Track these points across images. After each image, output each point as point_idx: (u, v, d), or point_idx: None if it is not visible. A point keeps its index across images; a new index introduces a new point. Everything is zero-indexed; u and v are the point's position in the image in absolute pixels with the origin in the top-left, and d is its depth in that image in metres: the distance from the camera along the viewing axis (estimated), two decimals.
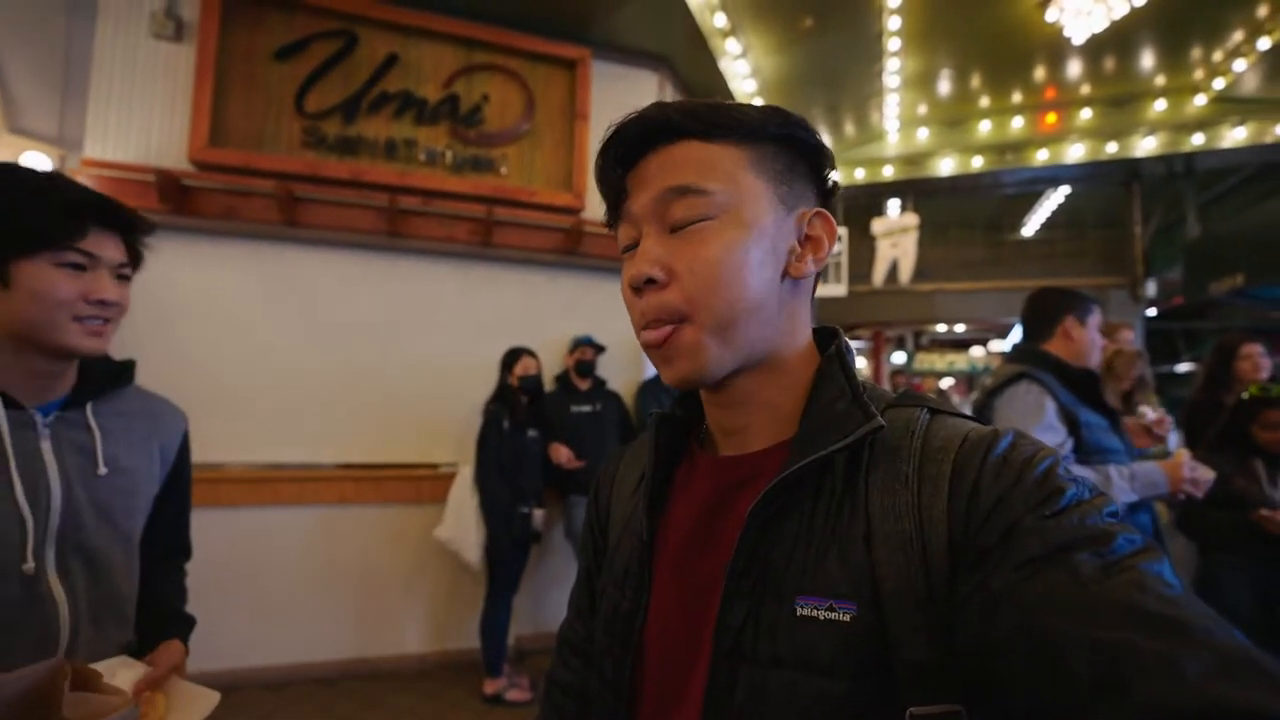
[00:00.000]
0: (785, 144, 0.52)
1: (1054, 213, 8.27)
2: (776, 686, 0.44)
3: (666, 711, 0.51)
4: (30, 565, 0.80)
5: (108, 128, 2.79)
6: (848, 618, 0.44)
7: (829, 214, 0.54)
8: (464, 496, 2.88)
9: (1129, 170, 6.15)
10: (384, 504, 3.12)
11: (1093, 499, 0.42)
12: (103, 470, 0.89)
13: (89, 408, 0.91)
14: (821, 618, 0.44)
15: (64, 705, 0.59)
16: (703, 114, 0.50)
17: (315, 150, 3.06)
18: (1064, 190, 7.62)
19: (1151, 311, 7.41)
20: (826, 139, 6.04)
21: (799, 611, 0.45)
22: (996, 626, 0.38)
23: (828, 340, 0.56)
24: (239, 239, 3.01)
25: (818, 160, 0.54)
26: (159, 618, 1.02)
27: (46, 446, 0.84)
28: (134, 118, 2.83)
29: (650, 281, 0.50)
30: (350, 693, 2.87)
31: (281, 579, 2.96)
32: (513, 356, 2.98)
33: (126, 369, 0.99)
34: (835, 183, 0.57)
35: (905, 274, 6.02)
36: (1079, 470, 1.46)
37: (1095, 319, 1.81)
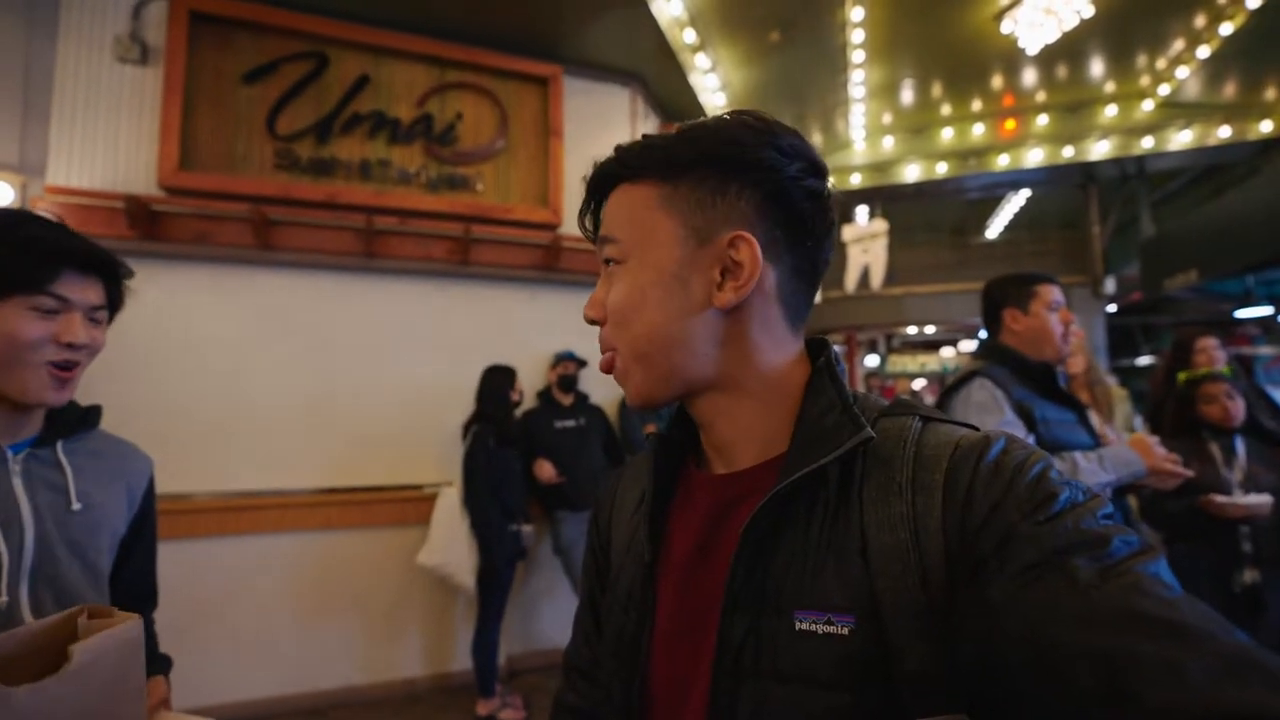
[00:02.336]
0: (710, 167, 0.51)
1: (1016, 215, 8.54)
2: (779, 701, 0.45)
3: None
4: (4, 599, 0.81)
5: (71, 153, 2.73)
6: (846, 631, 0.44)
7: (749, 237, 0.50)
8: (449, 519, 2.85)
9: (1085, 173, 6.39)
10: (368, 528, 3.07)
11: (1087, 501, 0.42)
12: (76, 506, 0.90)
13: (59, 445, 0.91)
14: (820, 632, 0.44)
15: (78, 632, 0.66)
16: (630, 157, 0.54)
17: (288, 172, 3.03)
18: (1025, 193, 7.87)
19: (1112, 308, 7.67)
20: None
21: (798, 626, 0.45)
22: (998, 637, 0.38)
23: (817, 352, 0.56)
24: (212, 264, 2.96)
25: (762, 174, 0.51)
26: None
27: (19, 483, 0.85)
28: (99, 143, 2.77)
29: (593, 321, 0.56)
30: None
31: (264, 609, 2.89)
32: (507, 375, 2.96)
33: (93, 412, 1.00)
34: (812, 190, 0.52)
35: (876, 279, 6.15)
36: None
37: (1042, 300, 1.62)
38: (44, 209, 2.63)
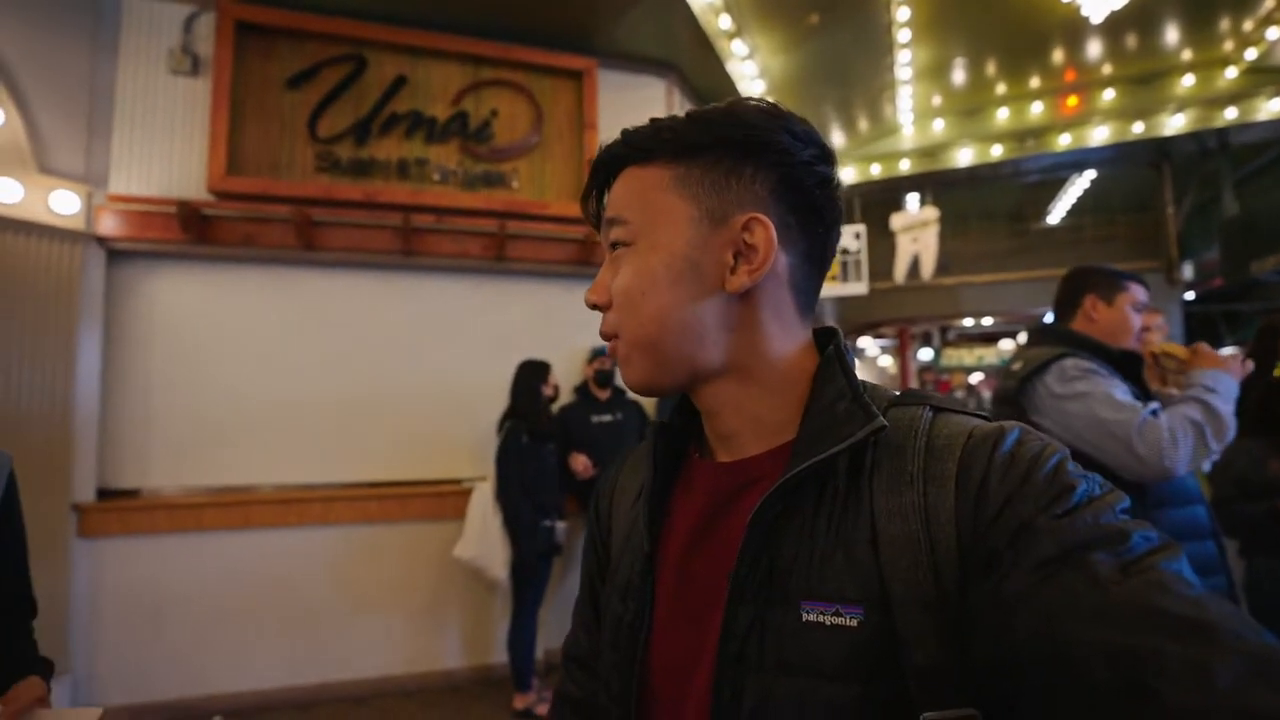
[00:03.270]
0: (725, 150, 0.50)
1: (1080, 198, 8.04)
2: (785, 694, 0.44)
3: None
4: None
5: (131, 163, 2.88)
6: (855, 622, 0.43)
7: (765, 219, 0.49)
8: (483, 514, 2.87)
9: (1158, 150, 5.95)
10: (408, 521, 3.13)
11: (1104, 495, 0.41)
12: None
13: None
14: (828, 623, 0.43)
15: None
16: (639, 139, 0.53)
17: (329, 174, 3.12)
18: (1089, 175, 7.40)
19: (1189, 295, 7.13)
20: (839, 136, 5.99)
21: (805, 617, 0.44)
22: (1014, 633, 0.37)
23: (826, 341, 0.55)
24: (258, 265, 3.08)
25: (777, 158, 0.50)
26: (10, 672, 0.99)
27: None
28: (156, 152, 2.91)
29: (595, 306, 0.55)
30: (380, 710, 2.87)
31: (309, 599, 2.99)
32: (539, 370, 2.96)
33: None
34: (823, 177, 0.52)
35: (927, 269, 5.89)
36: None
37: (1129, 297, 1.61)
38: (106, 217, 2.78)
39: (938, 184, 6.41)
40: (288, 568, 2.97)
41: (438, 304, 3.31)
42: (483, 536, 2.87)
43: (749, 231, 0.50)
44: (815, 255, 0.53)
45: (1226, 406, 1.39)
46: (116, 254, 2.89)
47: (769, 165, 0.50)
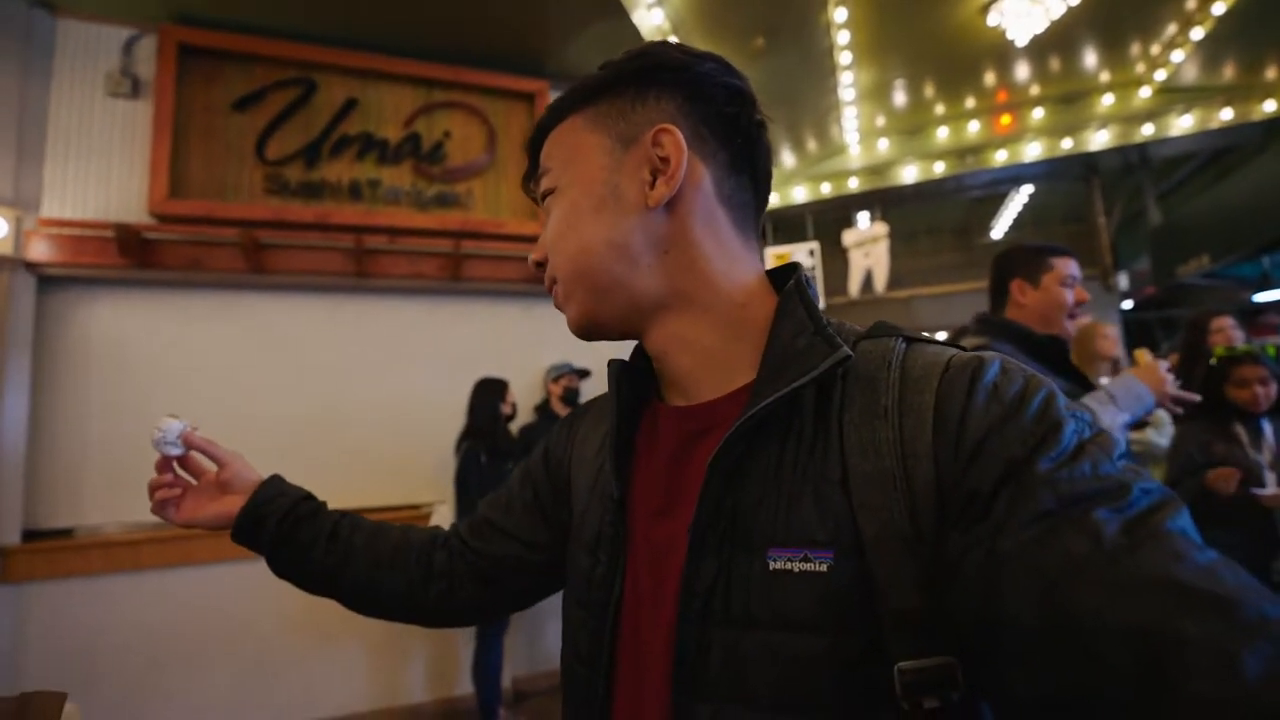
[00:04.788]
0: (628, 81, 0.51)
1: (1021, 212, 8.44)
2: (754, 648, 0.41)
3: (642, 684, 0.48)
4: None
5: (65, 187, 2.78)
6: (824, 568, 0.40)
7: (671, 127, 0.49)
8: None
9: (1087, 165, 6.30)
10: None
11: (1095, 437, 0.38)
12: None
13: None
14: (797, 570, 0.41)
15: None
16: (553, 105, 0.54)
17: (279, 196, 3.06)
18: (1027, 190, 7.79)
19: (1128, 304, 7.50)
20: (789, 157, 6.20)
21: (772, 565, 0.42)
22: (1005, 592, 0.35)
23: (785, 279, 0.53)
24: (205, 290, 2.98)
25: (676, 75, 0.50)
26: None
27: None
28: (92, 175, 2.81)
29: (539, 265, 0.55)
30: None
31: (260, 637, 2.83)
32: (497, 387, 2.92)
33: None
34: (730, 88, 0.51)
35: (880, 283, 6.07)
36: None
37: (1056, 274, 1.51)
38: (36, 242, 2.66)
39: (886, 201, 6.65)
40: (236, 605, 2.81)
41: (393, 325, 3.25)
42: None
43: (659, 145, 0.49)
44: (741, 166, 0.52)
45: (1113, 416, 1.35)
46: (48, 280, 2.76)
47: (671, 84, 0.50)
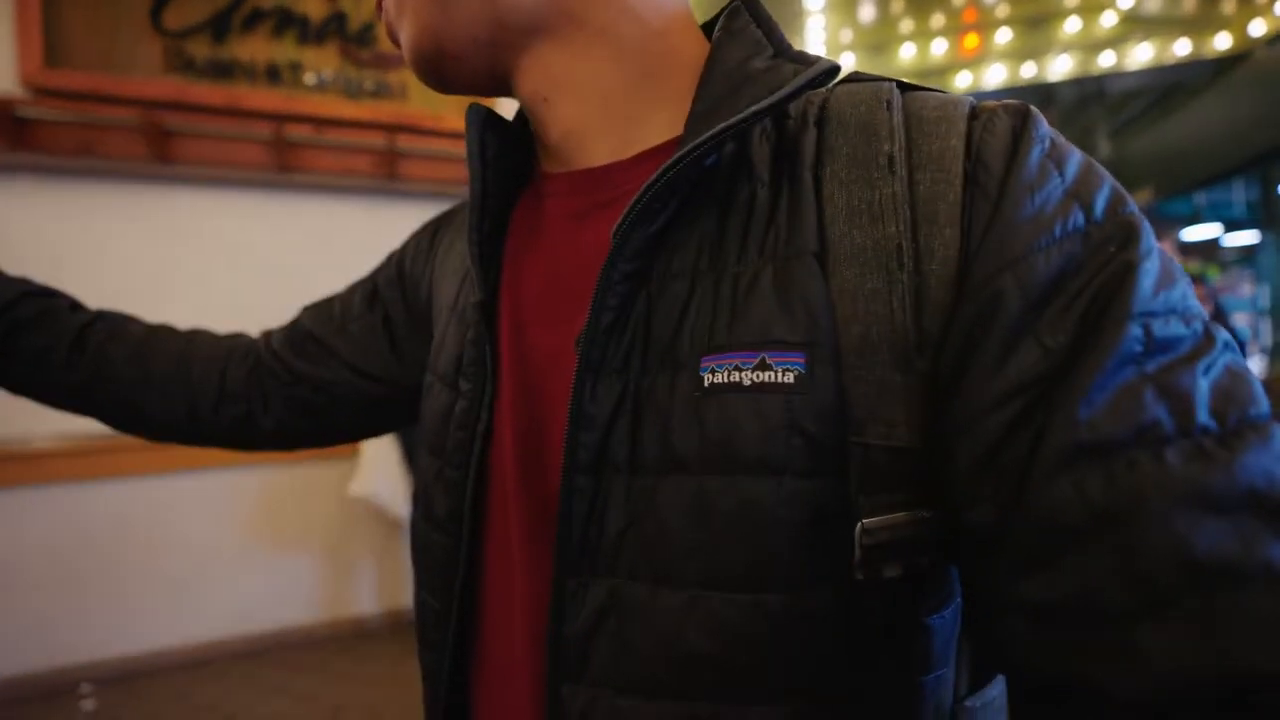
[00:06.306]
0: None
1: None
2: (673, 503, 0.30)
3: (518, 552, 0.37)
4: None
5: None
6: (791, 378, 0.28)
7: None
8: (378, 447, 2.70)
9: (1044, 96, 6.29)
10: (300, 463, 2.90)
11: (1178, 283, 0.26)
12: None
13: None
14: (748, 382, 0.29)
15: None
16: None
17: (182, 74, 2.71)
18: None
19: None
20: None
21: (708, 379, 0.30)
22: (1054, 474, 0.24)
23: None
24: (102, 180, 2.66)
25: None
26: None
27: None
28: None
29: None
30: (282, 662, 2.70)
31: (192, 551, 2.72)
32: None
33: None
34: None
35: None
36: None
37: None
38: None
39: None
40: (165, 519, 2.68)
41: (322, 226, 3.00)
42: (380, 472, 2.70)
43: None
44: None
45: None
46: None
47: None
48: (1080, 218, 0.27)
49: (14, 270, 0.58)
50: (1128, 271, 0.26)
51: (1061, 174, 0.28)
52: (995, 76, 5.68)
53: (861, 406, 0.28)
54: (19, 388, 0.55)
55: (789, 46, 0.33)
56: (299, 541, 2.91)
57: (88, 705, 2.34)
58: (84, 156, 2.54)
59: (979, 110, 0.31)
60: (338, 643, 2.87)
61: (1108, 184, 0.29)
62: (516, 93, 0.39)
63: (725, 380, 0.29)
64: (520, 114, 0.42)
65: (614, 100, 0.36)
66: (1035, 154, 0.28)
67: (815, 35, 5.33)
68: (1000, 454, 0.26)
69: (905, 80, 0.34)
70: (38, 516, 2.49)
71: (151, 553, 2.65)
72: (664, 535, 0.30)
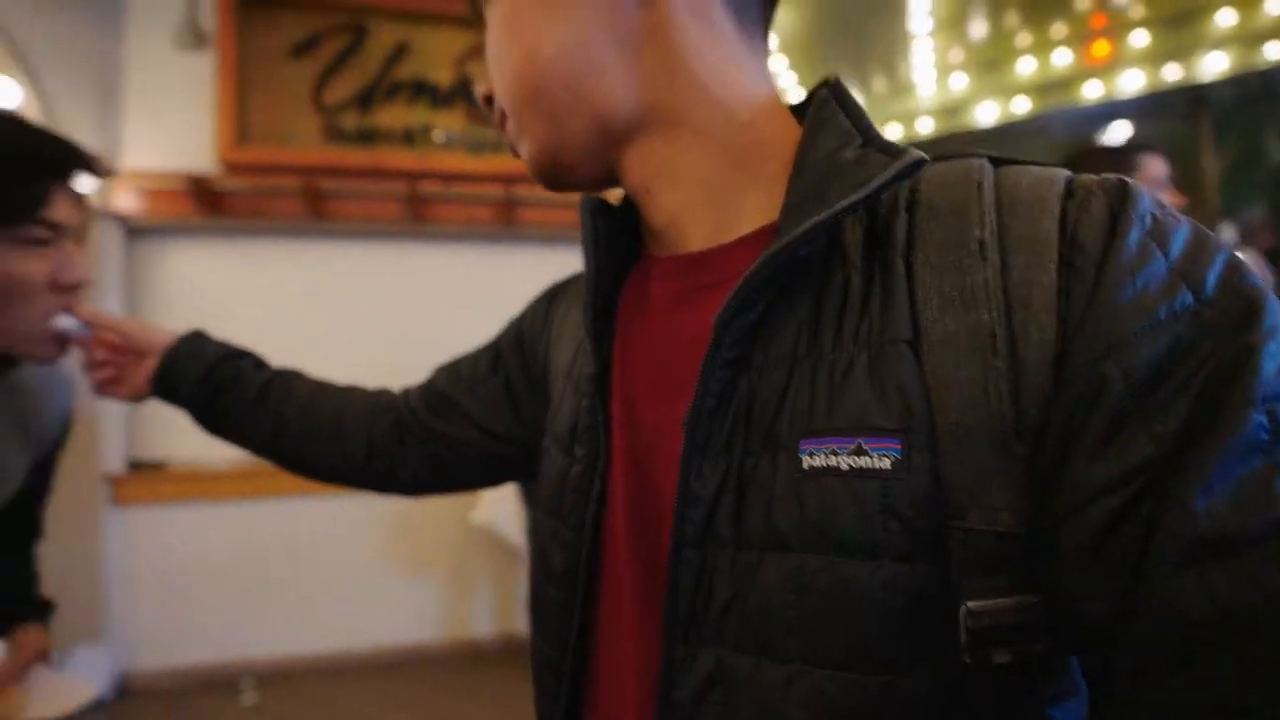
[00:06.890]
0: None
1: None
2: (775, 580, 0.31)
3: (628, 615, 0.39)
4: None
5: (142, 140, 2.90)
6: (888, 463, 0.29)
7: None
8: None
9: (1195, 98, 5.66)
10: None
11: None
12: None
13: None
14: (845, 467, 0.30)
15: None
16: None
17: (336, 143, 3.11)
18: (1121, 127, 7.10)
19: None
20: (856, 94, 5.83)
21: (807, 462, 0.31)
22: (1171, 569, 0.24)
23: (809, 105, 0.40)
24: (268, 237, 3.09)
25: None
26: (9, 608, 0.93)
27: None
28: (165, 127, 2.93)
29: (489, 102, 0.45)
30: (409, 677, 2.89)
31: (332, 565, 3.01)
32: None
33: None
34: None
35: None
36: None
37: (1148, 174, 1.36)
38: (122, 194, 2.81)
39: (961, 143, 6.21)
40: (311, 536, 2.99)
41: (448, 273, 3.29)
42: (499, 501, 2.85)
43: None
44: None
45: None
46: (134, 231, 2.93)
47: None
48: (1189, 297, 0.26)
49: (204, 309, 0.73)
50: (1249, 354, 0.24)
51: (1165, 253, 0.27)
52: (1132, 83, 5.18)
53: (961, 491, 0.28)
54: (224, 436, 0.71)
55: (877, 135, 0.35)
56: (425, 564, 3.13)
57: (248, 699, 2.63)
58: (256, 218, 2.98)
59: (1075, 188, 0.31)
60: (457, 660, 3.03)
61: (1221, 257, 0.27)
62: (623, 185, 0.43)
63: (823, 464, 0.30)
64: (627, 199, 0.45)
65: (709, 188, 0.38)
66: (1135, 234, 0.28)
67: (924, 59, 5.16)
68: (1108, 543, 0.25)
69: (997, 155, 0.35)
70: (211, 528, 2.88)
71: (302, 566, 2.97)
72: (766, 609, 0.31)
